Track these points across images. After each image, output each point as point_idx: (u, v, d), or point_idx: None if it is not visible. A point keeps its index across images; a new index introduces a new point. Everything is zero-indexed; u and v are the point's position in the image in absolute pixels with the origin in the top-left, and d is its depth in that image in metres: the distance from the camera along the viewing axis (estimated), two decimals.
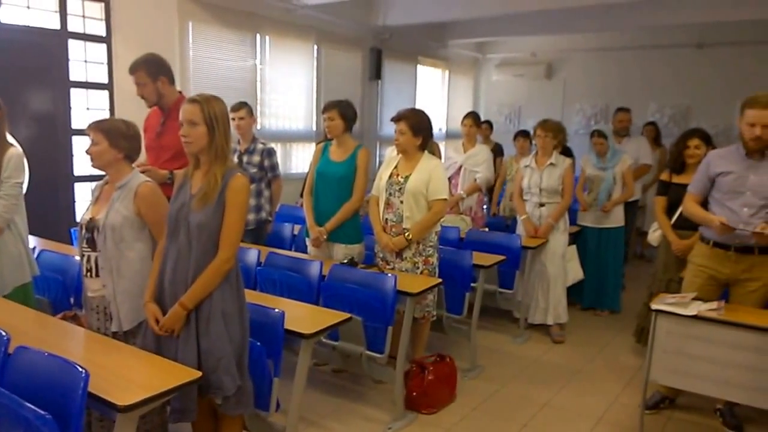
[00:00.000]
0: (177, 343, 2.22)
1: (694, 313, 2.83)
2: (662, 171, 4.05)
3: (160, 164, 3.31)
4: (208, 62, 5.51)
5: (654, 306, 2.96)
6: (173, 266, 2.24)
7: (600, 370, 3.96)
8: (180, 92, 3.57)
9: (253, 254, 3.54)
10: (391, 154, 4.78)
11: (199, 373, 2.05)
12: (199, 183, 2.24)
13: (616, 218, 4.86)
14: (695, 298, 2.98)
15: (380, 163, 6.58)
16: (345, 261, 3.54)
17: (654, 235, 3.98)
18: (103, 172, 2.50)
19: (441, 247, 3.67)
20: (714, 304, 2.89)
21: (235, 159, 4.27)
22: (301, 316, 2.73)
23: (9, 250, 2.89)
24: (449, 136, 8.78)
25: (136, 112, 3.39)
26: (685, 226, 3.50)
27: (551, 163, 4.39)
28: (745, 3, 5.86)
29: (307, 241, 3.86)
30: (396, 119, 3.48)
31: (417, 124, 3.45)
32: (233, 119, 4.07)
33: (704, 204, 3.14)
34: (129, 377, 1.96)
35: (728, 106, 3.26)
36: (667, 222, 3.76)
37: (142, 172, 2.66)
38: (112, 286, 2.38)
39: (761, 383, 2.69)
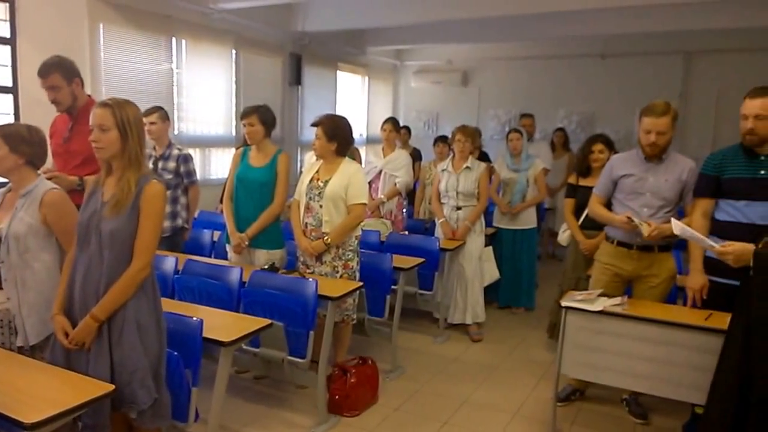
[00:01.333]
0: (88, 357, 2.14)
1: (600, 308, 2.99)
2: (570, 174, 4.28)
3: (69, 170, 3.17)
4: (121, 66, 5.30)
5: (564, 303, 3.10)
6: (83, 276, 2.15)
7: (516, 366, 4.12)
8: (89, 96, 3.45)
9: (170, 262, 3.45)
10: (311, 159, 4.80)
11: (112, 387, 1.98)
12: (112, 190, 2.16)
13: (530, 220, 5.09)
14: (601, 295, 3.14)
15: (301, 168, 6.57)
16: (266, 267, 3.52)
17: (563, 236, 4.21)
18: (5, 180, 2.37)
19: (362, 250, 3.71)
20: (618, 300, 3.06)
21: (150, 165, 4.14)
22: (221, 324, 2.70)
23: None
24: (369, 141, 8.88)
25: (43, 116, 3.23)
26: (592, 226, 3.71)
27: (467, 167, 4.54)
28: (644, 17, 6.32)
29: (228, 248, 3.80)
30: (314, 125, 3.52)
31: (332, 129, 3.49)
32: (146, 124, 3.95)
33: (609, 205, 3.33)
34: (36, 393, 1.88)
35: (629, 112, 3.54)
36: (576, 223, 4.00)
37: (49, 178, 2.54)
38: (16, 298, 2.26)
39: (663, 373, 2.87)
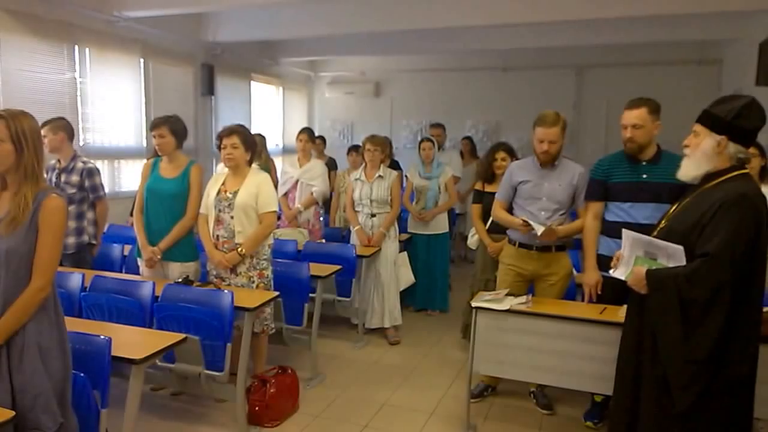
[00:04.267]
0: None
1: (507, 307, 3.15)
2: (477, 181, 4.50)
3: None
4: (19, 75, 5.02)
5: (473, 303, 3.24)
6: None
7: (432, 367, 4.26)
8: None
9: (76, 279, 3.32)
10: (222, 170, 4.76)
11: (12, 413, 1.90)
12: (7, 206, 2.07)
13: (442, 225, 5.28)
14: (508, 294, 3.31)
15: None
16: (180, 280, 3.47)
17: (472, 240, 4.41)
18: None
19: (278, 260, 3.73)
20: (524, 298, 3.23)
21: (54, 178, 3.97)
22: (132, 341, 2.64)
23: None
24: (285, 151, 8.86)
25: None
26: (498, 230, 3.89)
27: (379, 176, 4.66)
28: (540, 33, 6.74)
29: (139, 262, 3.71)
30: (227, 134, 3.47)
31: (248, 139, 3.50)
32: (45, 136, 3.80)
33: (511, 209, 3.53)
34: None
35: (530, 121, 3.75)
36: (483, 227, 4.20)
37: None
38: None
39: (564, 366, 3.06)
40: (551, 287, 3.45)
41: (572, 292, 3.63)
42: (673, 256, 2.31)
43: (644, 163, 3.08)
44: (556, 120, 3.27)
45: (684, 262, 2.26)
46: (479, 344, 3.23)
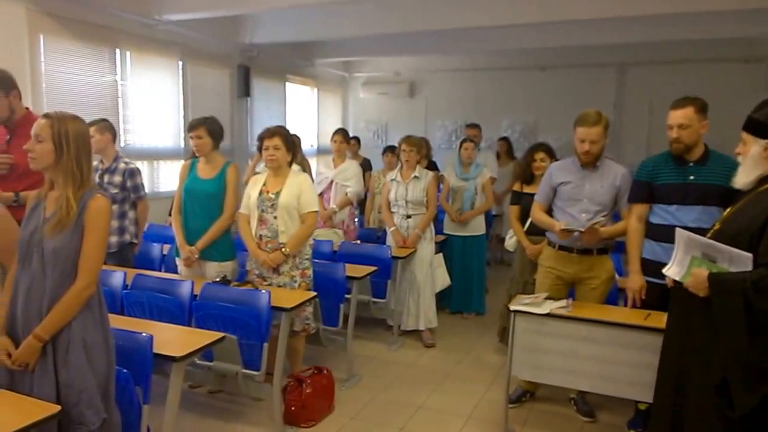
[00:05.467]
0: (32, 378, 2.08)
1: (546, 311, 3.09)
2: (515, 182, 4.43)
3: (4, 185, 3.09)
4: (63, 78, 5.16)
5: (512, 307, 3.19)
6: (26, 295, 2.09)
7: (468, 370, 4.21)
8: (27, 109, 3.37)
9: (118, 277, 3.38)
10: (265, 171, 4.79)
11: (58, 408, 1.94)
12: (53, 206, 2.11)
13: (478, 226, 5.21)
14: (548, 298, 3.25)
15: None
16: (218, 279, 3.50)
17: (510, 242, 4.34)
18: None
19: (315, 260, 3.73)
20: (563, 302, 3.17)
21: (97, 178, 4.05)
22: (172, 339, 2.66)
23: None
24: (320, 152, 8.90)
25: None
26: (537, 231, 3.82)
27: (415, 177, 4.63)
28: (581, 30, 6.60)
29: (178, 261, 3.76)
30: (269, 135, 3.49)
31: (290, 140, 3.52)
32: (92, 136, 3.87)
33: (550, 211, 3.46)
34: None
35: (569, 121, 3.65)
36: (521, 229, 4.13)
37: None
38: None
39: (606, 372, 2.99)
40: (593, 291, 3.36)
41: (614, 296, 3.55)
42: (737, 260, 2.23)
43: (691, 164, 2.98)
44: (597, 119, 3.19)
45: (750, 268, 2.18)
46: (517, 348, 3.19)
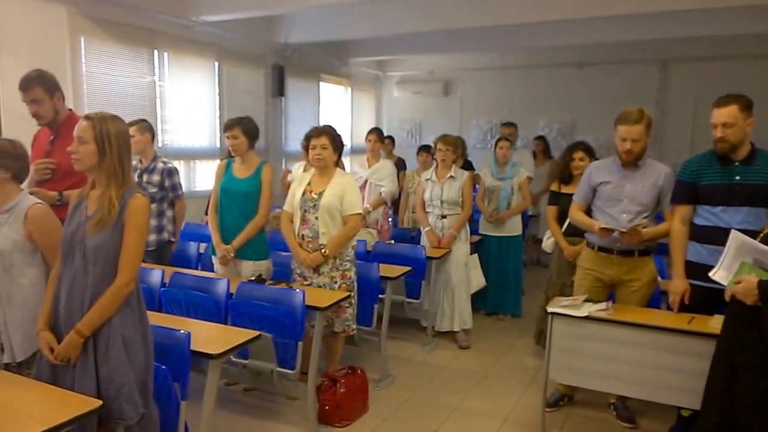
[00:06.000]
0: (74, 372, 2.12)
1: (585, 314, 3.02)
2: (552, 182, 4.34)
3: (49, 185, 3.16)
4: (103, 79, 5.28)
5: (549, 309, 3.13)
6: (68, 291, 2.13)
7: (504, 373, 4.14)
8: (70, 110, 3.44)
9: (156, 275, 3.43)
10: (298, 170, 4.81)
11: (99, 402, 1.97)
12: (95, 204, 2.15)
13: (515, 227, 5.13)
14: (586, 300, 3.18)
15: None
16: (253, 278, 3.52)
17: (548, 243, 4.26)
18: None
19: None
20: (603, 305, 3.09)
21: (136, 177, 4.12)
22: (209, 336, 2.69)
23: None
24: (353, 151, 8.91)
25: (24, 131, 3.21)
26: (575, 232, 3.75)
27: (451, 176, 4.58)
28: (621, 26, 6.44)
29: (214, 259, 3.79)
30: (317, 134, 3.48)
31: (337, 139, 3.51)
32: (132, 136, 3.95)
33: (589, 212, 3.37)
34: (23, 410, 1.86)
35: (608, 120, 3.56)
36: (559, 229, 4.05)
37: (30, 193, 2.53)
38: (2, 315, 2.24)
39: (648, 377, 2.91)
40: (634, 294, 3.27)
41: (657, 299, 3.45)
42: None
43: (737, 164, 2.88)
44: (640, 117, 3.10)
45: None
46: (555, 351, 3.13)
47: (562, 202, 4.02)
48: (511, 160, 5.10)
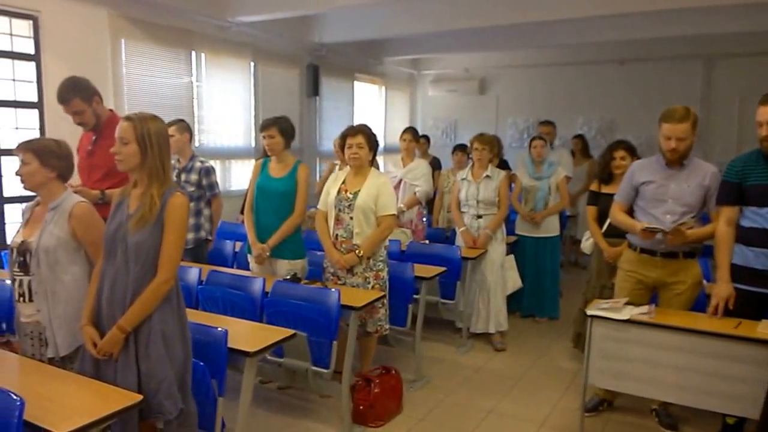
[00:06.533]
0: (116, 367, 2.16)
1: (627, 317, 2.95)
2: (592, 182, 4.23)
3: (92, 184, 3.24)
4: (143, 80, 5.38)
5: (589, 312, 3.06)
6: (110, 288, 2.17)
7: (541, 376, 4.07)
8: (111, 110, 3.50)
9: (193, 273, 3.48)
10: (332, 169, 4.82)
11: (140, 397, 2.00)
12: (137, 202, 2.19)
13: (552, 227, 5.04)
14: (627, 303, 3.10)
15: (319, 178, 6.58)
16: (288, 277, 3.53)
17: (587, 244, 4.16)
18: (34, 194, 2.41)
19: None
20: (645, 308, 3.01)
21: (174, 177, 4.18)
22: (245, 334, 2.70)
23: None
24: (387, 150, 8.88)
25: (67, 130, 3.29)
26: (616, 233, 3.65)
27: (487, 176, 4.52)
28: (664, 21, 6.26)
29: (249, 258, 3.82)
30: (353, 133, 3.48)
31: (373, 138, 3.51)
32: (172, 136, 4.00)
33: (631, 212, 3.29)
34: (67, 404, 1.90)
35: (650, 117, 3.47)
36: (599, 230, 3.95)
37: (74, 192, 2.58)
38: (47, 310, 2.29)
39: (692, 383, 2.82)
40: (677, 297, 3.18)
41: (701, 302, 3.33)
42: None
43: None
44: (685, 115, 3.00)
45: None
46: (595, 355, 3.07)
47: (602, 202, 3.92)
48: (548, 159, 5.01)
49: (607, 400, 3.54)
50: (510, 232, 4.99)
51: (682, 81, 7.66)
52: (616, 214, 3.33)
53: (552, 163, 5.04)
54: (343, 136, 3.55)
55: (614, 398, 3.54)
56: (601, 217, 3.92)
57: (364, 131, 3.49)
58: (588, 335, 3.06)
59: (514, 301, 4.93)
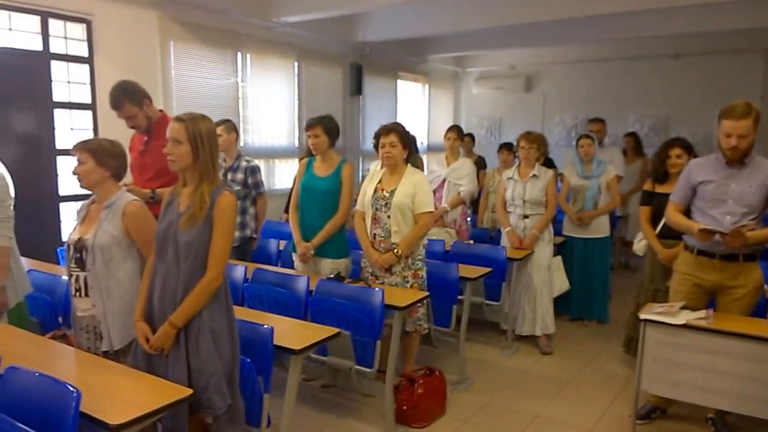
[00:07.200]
0: (167, 362, 2.20)
1: (683, 322, 2.86)
2: (645, 180, 4.09)
3: (143, 183, 3.31)
4: (190, 81, 5.50)
5: (642, 315, 2.98)
6: (162, 285, 2.22)
7: (590, 381, 3.96)
8: (161, 110, 3.57)
9: (239, 270, 3.52)
10: (375, 169, 4.80)
11: (190, 391, 2.03)
12: (187, 201, 2.22)
13: (602, 228, 4.89)
14: (683, 307, 3.00)
15: (363, 177, 6.60)
16: (332, 275, 3.53)
17: (639, 245, 4.02)
18: (89, 192, 2.47)
19: (427, 260, 3.67)
20: (702, 313, 2.91)
21: (220, 176, 4.24)
22: (290, 332, 2.71)
23: None
24: (430, 149, 8.85)
25: (120, 131, 3.37)
26: (670, 235, 3.52)
27: (534, 175, 4.43)
28: (721, 13, 6.01)
29: (294, 257, 3.84)
30: (386, 132, 3.47)
31: (405, 136, 3.48)
32: (220, 135, 4.06)
33: (687, 213, 3.17)
34: (120, 396, 1.94)
35: (707, 114, 3.33)
36: (652, 231, 3.81)
37: (127, 190, 2.64)
38: (102, 305, 2.36)
39: (751, 391, 2.72)
40: (737, 302, 3.04)
41: (762, 308, 3.18)
42: None
43: None
44: (747, 111, 2.86)
45: None
46: (648, 361, 3.00)
47: (656, 203, 3.78)
48: (597, 158, 4.85)
49: (660, 407, 3.41)
50: (558, 232, 4.87)
51: (742, 76, 7.33)
52: (672, 215, 3.20)
53: (602, 161, 4.89)
54: (377, 136, 3.53)
55: (668, 406, 3.41)
56: (655, 218, 3.78)
57: (397, 129, 3.46)
58: (641, 340, 2.99)
59: (561, 304, 4.81)
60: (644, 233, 3.90)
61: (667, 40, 7.49)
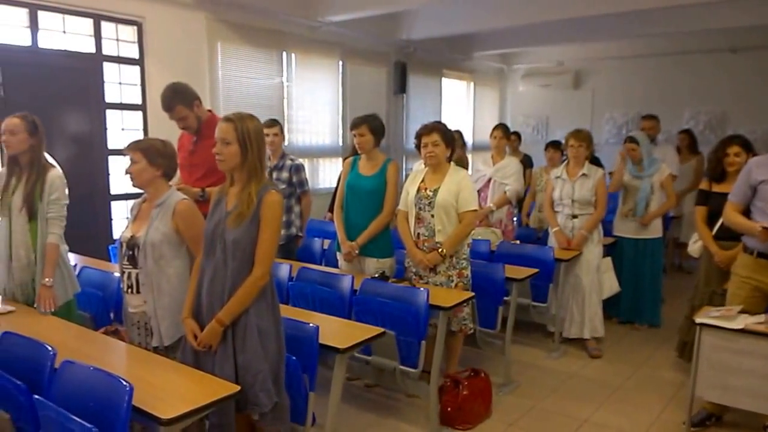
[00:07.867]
0: (215, 359, 2.23)
1: (741, 326, 2.77)
2: (700, 179, 3.93)
3: (192, 182, 3.38)
4: (237, 81, 5.60)
5: (698, 319, 2.90)
6: (210, 282, 2.25)
7: (641, 386, 3.84)
8: (210, 110, 3.63)
9: (284, 269, 3.55)
10: (419, 168, 4.77)
11: (238, 388, 2.05)
12: (234, 200, 2.24)
13: (654, 229, 4.71)
14: (742, 311, 2.90)
15: (406, 176, 6.57)
16: (376, 275, 3.53)
17: (695, 247, 3.87)
18: (141, 191, 2.53)
19: (472, 260, 3.63)
20: (762, 317, 2.82)
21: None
22: (335, 331, 2.72)
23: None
24: (475, 148, 8.75)
25: (169, 131, 3.44)
26: (727, 236, 3.39)
27: (583, 174, 4.32)
28: None
29: (338, 256, 3.85)
30: (428, 131, 3.44)
31: (448, 135, 3.44)
32: (267, 135, 4.11)
33: (746, 213, 3.04)
34: (171, 391, 1.98)
35: (766, 110, 3.15)
36: (708, 232, 3.66)
37: (177, 189, 2.69)
38: (152, 302, 2.41)
39: None
40: None
41: None
42: None
43: None
44: None
45: None
46: (703, 366, 2.90)
47: (712, 202, 3.62)
48: (649, 157, 4.68)
49: (716, 414, 3.28)
50: (607, 233, 4.74)
51: None
52: (731, 215, 3.08)
53: (654, 159, 4.71)
54: (418, 136, 3.50)
55: (723, 413, 3.28)
56: (711, 219, 3.63)
57: (439, 128, 3.43)
58: (696, 344, 2.90)
59: (611, 307, 4.68)
60: (700, 234, 3.74)
61: (724, 33, 7.18)
